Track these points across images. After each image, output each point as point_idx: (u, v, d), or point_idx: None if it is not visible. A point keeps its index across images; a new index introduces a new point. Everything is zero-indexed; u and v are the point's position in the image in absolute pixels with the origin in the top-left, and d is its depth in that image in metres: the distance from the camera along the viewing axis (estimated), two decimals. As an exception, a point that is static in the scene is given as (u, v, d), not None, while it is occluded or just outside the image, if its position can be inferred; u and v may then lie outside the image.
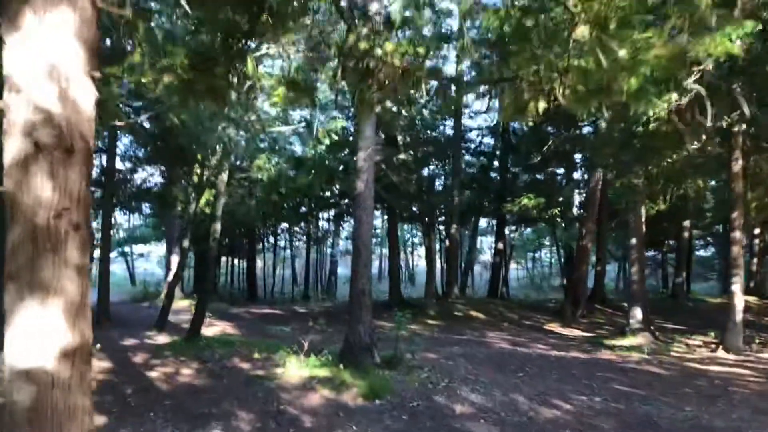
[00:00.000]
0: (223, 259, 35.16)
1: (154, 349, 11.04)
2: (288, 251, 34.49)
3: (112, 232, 35.65)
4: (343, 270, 37.38)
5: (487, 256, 45.36)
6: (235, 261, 35.69)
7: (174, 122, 9.14)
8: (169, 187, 16.11)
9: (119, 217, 34.08)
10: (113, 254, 37.71)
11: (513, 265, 41.37)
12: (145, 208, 21.85)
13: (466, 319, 18.81)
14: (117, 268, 45.83)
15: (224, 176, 11.65)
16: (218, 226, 11.60)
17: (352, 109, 16.86)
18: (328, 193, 18.79)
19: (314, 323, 10.84)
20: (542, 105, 3.99)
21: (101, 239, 15.49)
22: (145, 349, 11.24)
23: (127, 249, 41.53)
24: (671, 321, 19.06)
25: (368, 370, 9.17)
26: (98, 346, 10.06)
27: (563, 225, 23.16)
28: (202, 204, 16.15)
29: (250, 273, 28.36)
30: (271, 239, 32.71)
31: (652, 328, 15.05)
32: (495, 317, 19.31)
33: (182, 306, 20.73)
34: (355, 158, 10.20)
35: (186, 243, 14.21)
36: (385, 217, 25.13)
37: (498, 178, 23.29)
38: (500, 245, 23.97)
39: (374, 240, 37.28)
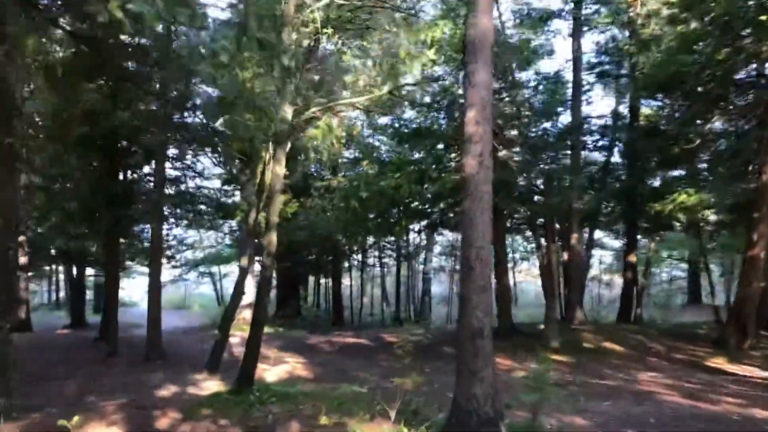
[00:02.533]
0: (311, 278, 32.68)
1: (189, 406, 8.14)
2: (377, 269, 31.24)
3: (191, 252, 34.35)
4: (437, 289, 33.88)
5: (594, 272, 40.12)
6: (321, 280, 33.15)
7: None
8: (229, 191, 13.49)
9: (199, 234, 32.54)
10: (194, 275, 36.43)
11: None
12: (208, 220, 19.39)
13: (598, 352, 14.77)
14: (206, 288, 44.92)
15: (278, 170, 8.64)
16: (273, 237, 8.59)
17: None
18: (417, 203, 15.45)
19: (403, 381, 7.49)
20: None
21: (150, 260, 13.04)
22: (181, 403, 8.37)
23: (214, 269, 40.10)
24: None
25: (492, 457, 5.73)
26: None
27: (712, 231, 18.64)
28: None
29: (336, 294, 25.41)
30: (359, 256, 29.69)
31: None
32: (636, 349, 15.11)
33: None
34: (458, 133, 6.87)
35: (244, 261, 11.38)
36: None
37: (626, 175, 18.99)
38: (632, 258, 19.60)
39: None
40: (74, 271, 25.26)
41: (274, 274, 29.12)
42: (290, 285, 25.84)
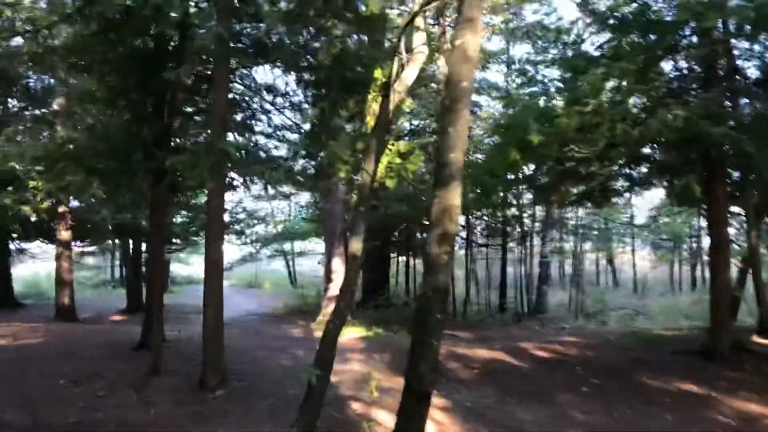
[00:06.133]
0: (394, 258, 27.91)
1: None
2: (481, 249, 25.78)
3: (264, 226, 30.48)
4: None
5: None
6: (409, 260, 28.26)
7: None
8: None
9: (270, 206, 28.66)
10: (267, 251, 32.78)
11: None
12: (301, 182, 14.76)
13: None
14: (278, 265, 41.33)
15: (472, 48, 3.82)
16: (455, 197, 3.78)
17: None
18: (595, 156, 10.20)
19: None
20: None
21: (206, 234, 8.60)
22: None
23: (287, 246, 35.99)
24: None
25: None
26: None
27: None
28: (381, 169, 8.62)
29: (437, 281, 20.41)
30: (464, 233, 24.33)
31: None
32: None
33: (349, 339, 13.35)
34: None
35: (356, 244, 6.65)
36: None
37: None
38: None
39: (617, 232, 27.89)
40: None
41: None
42: (380, 269, 21.35)
